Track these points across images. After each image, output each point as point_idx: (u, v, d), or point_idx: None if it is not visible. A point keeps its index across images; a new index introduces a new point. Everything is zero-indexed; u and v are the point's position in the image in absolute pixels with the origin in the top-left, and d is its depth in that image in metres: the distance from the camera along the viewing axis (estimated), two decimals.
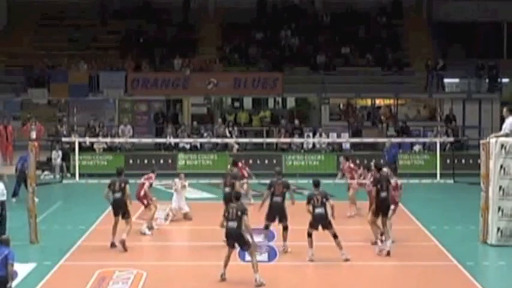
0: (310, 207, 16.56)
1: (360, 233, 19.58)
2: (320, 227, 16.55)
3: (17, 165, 23.74)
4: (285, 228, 17.32)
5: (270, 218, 17.46)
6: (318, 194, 16.59)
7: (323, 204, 16.52)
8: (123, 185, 17.57)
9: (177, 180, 20.97)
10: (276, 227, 18.05)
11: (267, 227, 17.63)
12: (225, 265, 15.07)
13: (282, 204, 17.37)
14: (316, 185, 16.78)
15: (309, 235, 16.60)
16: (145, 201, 19.36)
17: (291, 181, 21.53)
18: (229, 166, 22.06)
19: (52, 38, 38.82)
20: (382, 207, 17.29)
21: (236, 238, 15.02)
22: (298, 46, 38.19)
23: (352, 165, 22.20)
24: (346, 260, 16.40)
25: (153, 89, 35.67)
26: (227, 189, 18.56)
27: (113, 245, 17.46)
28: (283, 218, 17.32)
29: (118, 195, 17.53)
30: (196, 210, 21.66)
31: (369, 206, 18.52)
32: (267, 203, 17.51)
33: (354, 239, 18.95)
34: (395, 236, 19.19)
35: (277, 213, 17.31)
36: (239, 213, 15.02)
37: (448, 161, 28.46)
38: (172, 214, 20.77)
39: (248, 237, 15.00)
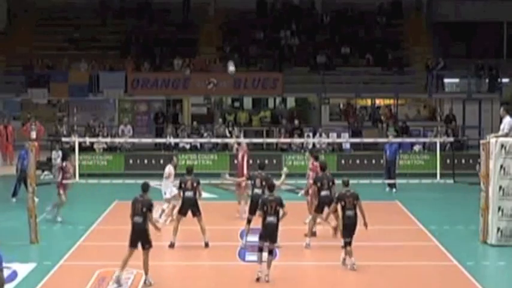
0: (339, 209, 15.99)
1: (360, 233, 19.58)
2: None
3: (17, 165, 23.75)
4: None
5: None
6: (349, 196, 15.86)
7: (354, 207, 15.83)
8: (195, 184, 17.66)
9: (170, 165, 20.89)
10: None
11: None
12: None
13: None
14: (347, 184, 16.18)
15: (349, 244, 15.77)
16: None
17: (291, 181, 21.65)
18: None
19: (52, 38, 38.81)
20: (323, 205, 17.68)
21: (273, 231, 15.07)
22: (298, 46, 38.20)
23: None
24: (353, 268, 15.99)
25: (153, 89, 35.68)
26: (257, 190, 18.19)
27: (172, 245, 17.58)
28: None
29: (189, 193, 17.61)
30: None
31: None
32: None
33: (354, 239, 18.94)
34: (396, 236, 19.22)
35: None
36: (277, 207, 15.06)
37: (448, 161, 28.43)
38: (169, 205, 20.66)
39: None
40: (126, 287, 14.83)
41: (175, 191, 20.54)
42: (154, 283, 14.84)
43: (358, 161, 30.14)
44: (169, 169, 20.67)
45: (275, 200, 15.26)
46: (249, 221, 17.67)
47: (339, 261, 16.66)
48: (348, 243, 15.74)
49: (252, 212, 17.38)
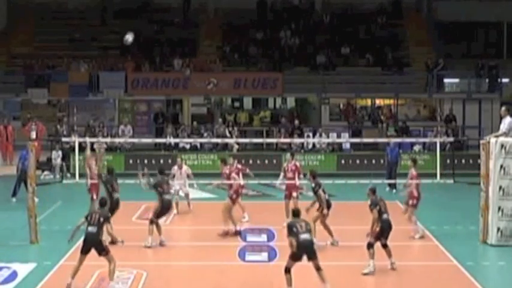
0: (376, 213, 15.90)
1: (360, 233, 19.58)
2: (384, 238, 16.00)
3: (18, 165, 23.75)
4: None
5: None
6: (381, 200, 16.07)
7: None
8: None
9: (175, 167, 21.20)
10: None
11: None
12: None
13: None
14: (374, 191, 16.19)
15: (372, 245, 15.89)
16: None
17: (292, 179, 21.51)
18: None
19: (52, 38, 38.83)
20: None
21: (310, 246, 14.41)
22: (298, 46, 38.20)
23: (298, 164, 20.49)
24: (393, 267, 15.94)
25: (153, 89, 35.68)
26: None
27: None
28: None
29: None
30: (196, 210, 21.69)
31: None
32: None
33: (354, 239, 18.95)
34: (396, 237, 19.20)
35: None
36: (308, 226, 14.52)
37: (448, 161, 28.43)
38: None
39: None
40: (126, 287, 14.82)
41: (185, 189, 20.76)
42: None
43: (358, 161, 30.13)
44: (173, 170, 21.29)
45: (304, 221, 14.71)
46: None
47: (339, 261, 16.67)
48: (384, 245, 16.04)
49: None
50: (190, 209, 21.85)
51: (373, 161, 29.67)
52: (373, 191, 16.18)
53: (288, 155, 20.95)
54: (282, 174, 20.39)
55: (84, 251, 14.59)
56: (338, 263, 16.66)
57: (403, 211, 19.04)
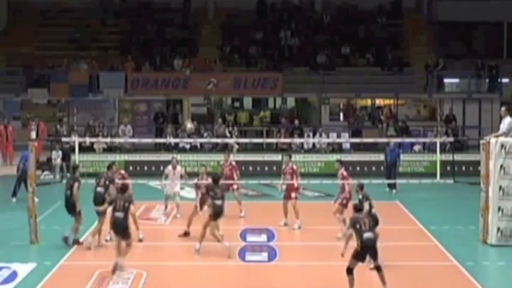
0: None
1: None
2: None
3: (19, 165, 23.74)
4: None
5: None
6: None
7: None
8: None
9: (169, 167, 21.07)
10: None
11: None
12: None
13: None
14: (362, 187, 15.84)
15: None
16: None
17: (290, 181, 21.50)
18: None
19: (52, 38, 38.84)
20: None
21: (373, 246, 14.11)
22: (298, 46, 38.21)
23: (295, 166, 20.41)
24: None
25: (153, 89, 35.69)
26: None
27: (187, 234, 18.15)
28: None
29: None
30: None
31: None
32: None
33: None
34: (396, 236, 19.21)
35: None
36: (371, 222, 14.23)
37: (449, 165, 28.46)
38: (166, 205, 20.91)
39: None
40: (126, 287, 14.83)
41: (177, 189, 20.65)
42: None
43: (358, 161, 30.09)
44: (166, 170, 21.04)
45: (367, 217, 14.50)
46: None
47: (340, 261, 16.64)
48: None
49: (361, 258, 14.39)
50: (179, 211, 21.58)
51: (373, 161, 29.64)
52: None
53: (285, 157, 20.73)
54: (282, 176, 20.31)
55: (116, 235, 15.82)
56: (338, 263, 16.65)
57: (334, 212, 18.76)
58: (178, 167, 21.40)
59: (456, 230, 19.88)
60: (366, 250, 14.00)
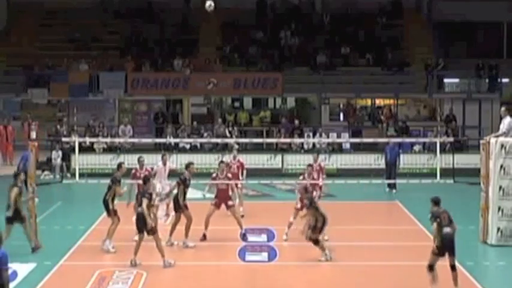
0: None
1: (360, 233, 19.59)
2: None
3: (19, 165, 23.72)
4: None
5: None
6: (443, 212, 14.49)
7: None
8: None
9: (160, 164, 21.00)
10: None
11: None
12: None
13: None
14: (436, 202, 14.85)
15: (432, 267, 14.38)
16: None
17: (290, 181, 21.60)
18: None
19: (52, 38, 38.82)
20: None
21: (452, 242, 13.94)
22: (298, 46, 38.20)
23: (323, 164, 20.49)
24: None
25: (153, 89, 35.70)
26: None
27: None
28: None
29: None
30: (196, 210, 21.60)
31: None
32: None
33: (354, 239, 18.97)
34: (396, 236, 19.23)
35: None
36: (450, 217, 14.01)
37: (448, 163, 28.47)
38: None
39: None
40: (126, 287, 14.83)
41: (166, 188, 20.53)
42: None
43: (358, 161, 30.10)
44: (156, 167, 21.03)
45: (445, 212, 14.39)
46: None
47: (340, 261, 16.66)
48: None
49: (441, 254, 14.31)
50: (168, 210, 21.50)
51: (373, 161, 29.65)
52: (435, 202, 14.69)
53: (314, 155, 20.88)
54: (306, 173, 19.65)
55: (139, 231, 16.11)
56: (338, 263, 16.66)
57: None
58: (168, 163, 21.40)
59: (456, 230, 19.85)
60: (445, 245, 13.89)
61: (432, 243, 14.44)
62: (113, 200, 17.52)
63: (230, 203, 18.40)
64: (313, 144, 31.31)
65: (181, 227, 17.91)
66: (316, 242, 16.36)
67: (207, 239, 18.21)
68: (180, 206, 17.73)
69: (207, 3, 20.71)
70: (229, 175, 19.29)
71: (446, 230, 13.96)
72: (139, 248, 16.06)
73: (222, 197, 18.35)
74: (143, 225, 16.01)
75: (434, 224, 14.12)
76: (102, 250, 17.28)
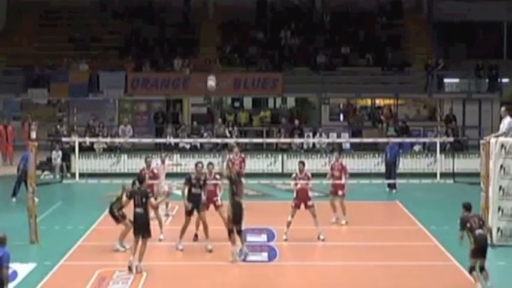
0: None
1: (360, 233, 19.60)
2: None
3: (19, 165, 23.74)
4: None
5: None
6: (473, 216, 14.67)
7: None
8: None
9: (158, 161, 21.01)
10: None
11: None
12: None
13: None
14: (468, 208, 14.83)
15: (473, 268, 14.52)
16: None
17: (291, 181, 21.50)
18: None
19: (52, 38, 38.82)
20: None
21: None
22: (298, 46, 38.20)
23: (344, 163, 20.68)
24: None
25: (153, 89, 35.69)
26: None
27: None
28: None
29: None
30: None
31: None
32: None
33: (354, 239, 18.97)
34: (396, 236, 19.24)
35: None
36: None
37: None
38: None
39: None
40: (126, 287, 14.83)
41: (165, 188, 20.52)
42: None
43: (358, 161, 30.10)
44: (155, 164, 20.90)
45: (476, 216, 14.74)
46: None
47: (340, 261, 16.67)
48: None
49: (479, 255, 14.48)
50: (168, 210, 21.48)
51: (373, 161, 29.66)
52: (466, 207, 14.80)
53: (335, 154, 20.97)
54: (329, 173, 20.31)
55: (136, 233, 15.61)
56: (338, 263, 16.67)
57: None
58: (167, 161, 21.43)
59: (456, 230, 19.67)
60: (481, 246, 14.19)
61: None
62: (120, 208, 17.38)
63: (218, 203, 18.30)
64: (313, 144, 31.31)
65: (178, 227, 17.85)
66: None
67: (198, 239, 18.14)
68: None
69: (209, 84, 21.10)
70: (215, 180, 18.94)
71: (479, 231, 14.25)
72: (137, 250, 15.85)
73: (210, 198, 18.23)
74: (146, 227, 15.66)
75: (463, 231, 14.38)
76: (114, 250, 17.25)
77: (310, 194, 18.55)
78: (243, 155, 22.83)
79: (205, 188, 17.72)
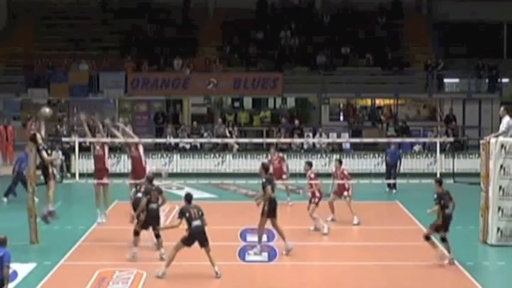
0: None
1: (360, 233, 19.60)
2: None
3: (15, 166, 23.77)
4: None
5: None
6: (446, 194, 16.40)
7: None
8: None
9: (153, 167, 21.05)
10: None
11: None
12: None
13: None
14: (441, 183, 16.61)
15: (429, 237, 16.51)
16: None
17: (290, 181, 21.62)
18: None
19: (52, 38, 38.83)
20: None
21: None
22: (298, 46, 38.20)
23: (346, 172, 20.86)
24: None
25: (153, 89, 35.69)
26: None
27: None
28: None
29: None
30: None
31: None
32: None
33: (354, 239, 18.98)
34: (396, 236, 19.23)
35: None
36: None
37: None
38: None
39: None
40: (126, 287, 14.83)
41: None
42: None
43: (358, 161, 30.10)
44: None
45: (448, 193, 16.12)
46: None
47: (340, 261, 16.67)
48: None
49: None
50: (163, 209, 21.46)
51: (373, 161, 29.66)
52: (440, 182, 16.50)
53: (336, 162, 21.13)
54: (332, 180, 20.84)
55: (145, 227, 16.58)
56: (338, 263, 16.67)
57: (307, 209, 19.24)
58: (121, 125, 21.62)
59: (456, 230, 19.79)
60: (447, 223, 16.00)
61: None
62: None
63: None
64: (313, 144, 31.31)
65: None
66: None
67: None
68: None
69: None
70: None
71: (448, 211, 15.94)
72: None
73: None
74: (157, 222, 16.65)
75: (438, 207, 16.03)
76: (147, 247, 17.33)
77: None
78: (280, 154, 23.93)
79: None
